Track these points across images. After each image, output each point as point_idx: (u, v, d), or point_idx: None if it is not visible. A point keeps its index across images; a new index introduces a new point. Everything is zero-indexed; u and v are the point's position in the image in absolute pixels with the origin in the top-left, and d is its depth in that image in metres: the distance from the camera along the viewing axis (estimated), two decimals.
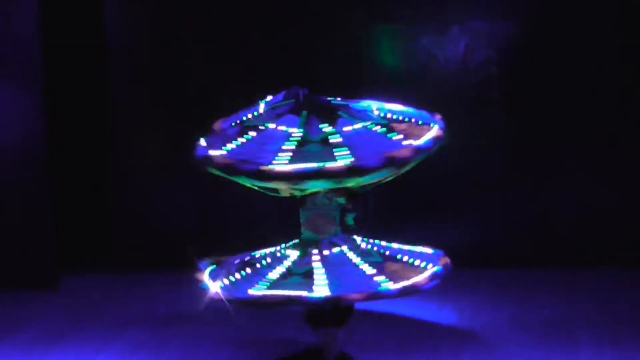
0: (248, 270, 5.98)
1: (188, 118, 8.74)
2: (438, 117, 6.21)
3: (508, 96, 8.52)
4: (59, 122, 8.65)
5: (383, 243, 6.22)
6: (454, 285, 7.93)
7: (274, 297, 5.75)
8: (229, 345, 6.80)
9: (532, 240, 8.54)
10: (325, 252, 5.99)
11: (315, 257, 5.94)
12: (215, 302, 5.88)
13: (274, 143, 5.84)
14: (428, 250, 6.21)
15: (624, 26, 8.30)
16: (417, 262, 6.05)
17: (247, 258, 6.15)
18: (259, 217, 8.53)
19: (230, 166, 5.77)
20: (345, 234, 6.07)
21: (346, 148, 5.75)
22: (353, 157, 5.68)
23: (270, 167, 5.67)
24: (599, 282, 8.02)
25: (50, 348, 6.93)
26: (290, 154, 5.73)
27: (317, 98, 6.09)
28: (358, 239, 6.22)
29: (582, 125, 8.43)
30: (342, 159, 5.68)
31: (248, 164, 5.73)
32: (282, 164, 5.69)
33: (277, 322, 7.10)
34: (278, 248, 6.15)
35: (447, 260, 6.10)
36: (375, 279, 5.84)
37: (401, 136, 5.95)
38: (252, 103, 6.20)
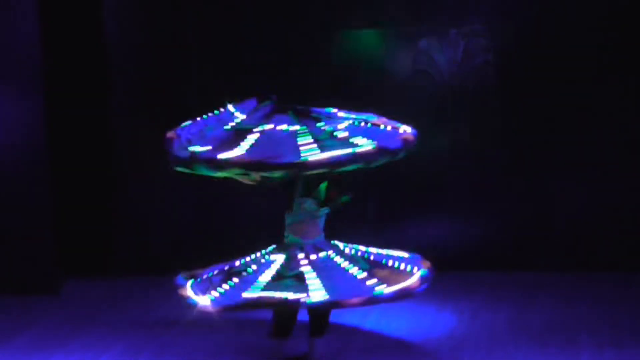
0: (235, 280, 6.08)
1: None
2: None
3: (506, 98, 8.53)
4: (61, 127, 8.66)
5: (362, 248, 6.32)
6: (453, 287, 7.97)
7: (271, 298, 5.84)
8: (228, 351, 6.81)
9: (531, 243, 8.54)
10: (312, 257, 6.07)
11: (304, 261, 6.03)
12: (207, 314, 5.99)
13: (285, 141, 6.00)
14: (405, 254, 6.31)
15: (620, 27, 8.30)
16: (402, 266, 6.13)
17: (226, 267, 6.24)
18: (255, 223, 8.55)
19: (261, 163, 5.86)
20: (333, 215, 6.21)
21: (360, 136, 5.99)
22: (374, 142, 5.94)
23: (306, 158, 5.83)
24: (599, 285, 8.02)
25: (51, 351, 6.95)
26: (315, 145, 5.92)
27: (284, 104, 6.25)
28: (340, 244, 6.30)
29: (582, 128, 8.43)
30: (366, 145, 5.93)
31: (284, 158, 5.86)
32: (314, 154, 5.86)
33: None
34: (259, 254, 6.24)
35: (428, 263, 6.20)
36: (368, 283, 5.90)
37: (390, 127, 6.18)
38: (210, 111, 6.36)
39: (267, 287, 5.91)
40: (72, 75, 8.87)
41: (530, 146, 8.50)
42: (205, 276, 6.22)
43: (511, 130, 8.53)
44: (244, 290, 5.92)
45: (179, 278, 6.26)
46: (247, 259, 6.25)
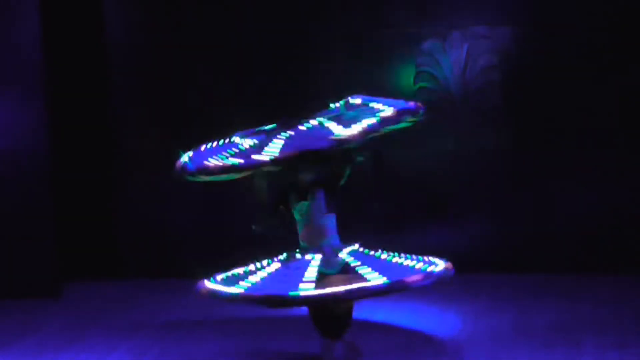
0: (239, 271, 6.09)
1: (190, 128, 8.78)
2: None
3: (509, 101, 8.53)
4: (61, 131, 8.67)
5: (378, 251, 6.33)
6: (457, 290, 7.95)
7: (240, 294, 5.85)
8: (231, 354, 6.81)
9: (535, 244, 8.54)
10: (345, 250, 6.06)
11: (341, 255, 6.00)
12: (240, 301, 5.98)
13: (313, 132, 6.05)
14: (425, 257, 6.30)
15: (623, 33, 8.31)
16: (419, 265, 6.12)
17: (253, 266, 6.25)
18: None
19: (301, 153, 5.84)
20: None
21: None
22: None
23: (342, 134, 5.87)
24: (602, 287, 8.01)
25: (54, 355, 6.95)
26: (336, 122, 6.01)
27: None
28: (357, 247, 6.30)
29: (584, 130, 8.43)
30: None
31: (320, 143, 5.86)
32: (348, 131, 5.90)
33: (280, 332, 7.12)
34: (286, 256, 6.22)
35: (449, 264, 6.18)
36: (411, 265, 5.87)
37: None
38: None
39: (319, 282, 5.87)
40: (74, 78, 8.89)
41: (533, 148, 8.50)
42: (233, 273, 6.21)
43: (515, 132, 8.54)
44: (289, 285, 5.86)
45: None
46: (277, 259, 6.23)
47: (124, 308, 8.07)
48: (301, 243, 6.17)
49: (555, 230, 8.52)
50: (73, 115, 8.89)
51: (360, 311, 7.48)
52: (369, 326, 7.25)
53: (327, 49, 8.64)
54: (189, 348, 6.95)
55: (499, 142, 8.55)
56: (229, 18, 8.74)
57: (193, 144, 7.98)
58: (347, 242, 6.28)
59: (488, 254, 8.51)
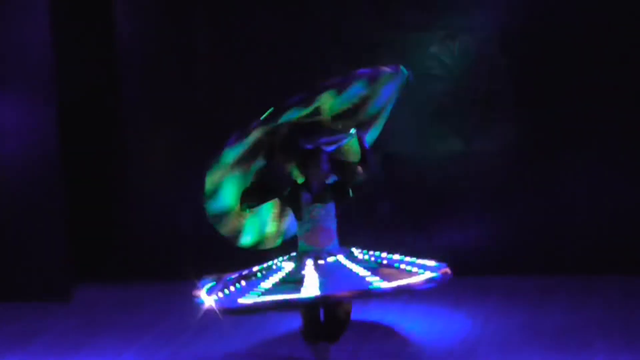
0: (243, 283, 6.07)
1: (197, 133, 8.79)
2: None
3: (517, 102, 8.52)
4: (71, 135, 8.68)
5: (383, 254, 6.29)
6: (466, 292, 7.96)
7: (263, 302, 5.83)
8: (239, 357, 6.81)
9: (544, 247, 8.53)
10: (321, 262, 6.06)
11: (310, 267, 6.01)
12: (209, 313, 5.98)
13: None
14: (430, 262, 6.25)
15: (632, 31, 8.30)
16: (414, 269, 6.09)
17: (244, 272, 6.24)
18: None
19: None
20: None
21: None
22: None
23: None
24: (612, 289, 8.00)
25: (63, 358, 6.95)
26: None
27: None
28: (356, 250, 6.28)
29: (592, 131, 8.42)
30: None
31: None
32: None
33: (289, 334, 7.12)
34: (275, 261, 6.23)
35: (447, 270, 6.13)
36: (368, 279, 5.86)
37: None
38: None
39: (266, 292, 5.89)
40: (84, 82, 8.92)
41: (541, 150, 8.49)
42: (224, 279, 6.20)
43: (522, 134, 8.53)
44: (245, 294, 5.90)
45: (203, 280, 6.24)
46: (265, 265, 6.23)
47: (133, 311, 8.08)
48: (304, 246, 6.18)
49: (564, 231, 8.51)
50: (83, 118, 8.91)
51: (371, 314, 7.51)
52: (379, 328, 7.25)
53: (337, 51, 8.65)
54: (198, 350, 6.96)
55: (505, 144, 8.55)
56: (238, 22, 8.75)
57: (199, 148, 8.02)
58: (353, 243, 6.31)
59: (497, 256, 8.50)
